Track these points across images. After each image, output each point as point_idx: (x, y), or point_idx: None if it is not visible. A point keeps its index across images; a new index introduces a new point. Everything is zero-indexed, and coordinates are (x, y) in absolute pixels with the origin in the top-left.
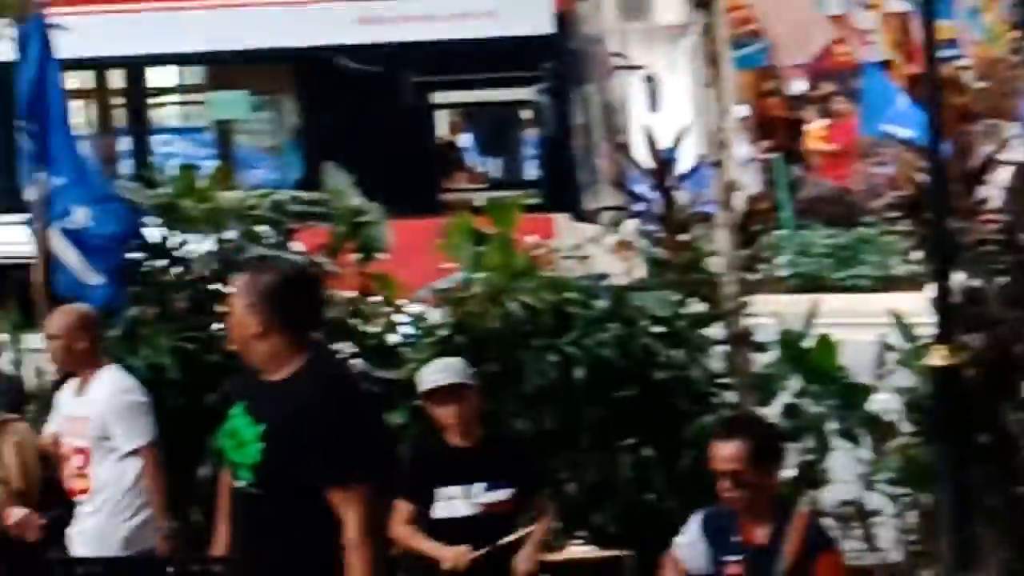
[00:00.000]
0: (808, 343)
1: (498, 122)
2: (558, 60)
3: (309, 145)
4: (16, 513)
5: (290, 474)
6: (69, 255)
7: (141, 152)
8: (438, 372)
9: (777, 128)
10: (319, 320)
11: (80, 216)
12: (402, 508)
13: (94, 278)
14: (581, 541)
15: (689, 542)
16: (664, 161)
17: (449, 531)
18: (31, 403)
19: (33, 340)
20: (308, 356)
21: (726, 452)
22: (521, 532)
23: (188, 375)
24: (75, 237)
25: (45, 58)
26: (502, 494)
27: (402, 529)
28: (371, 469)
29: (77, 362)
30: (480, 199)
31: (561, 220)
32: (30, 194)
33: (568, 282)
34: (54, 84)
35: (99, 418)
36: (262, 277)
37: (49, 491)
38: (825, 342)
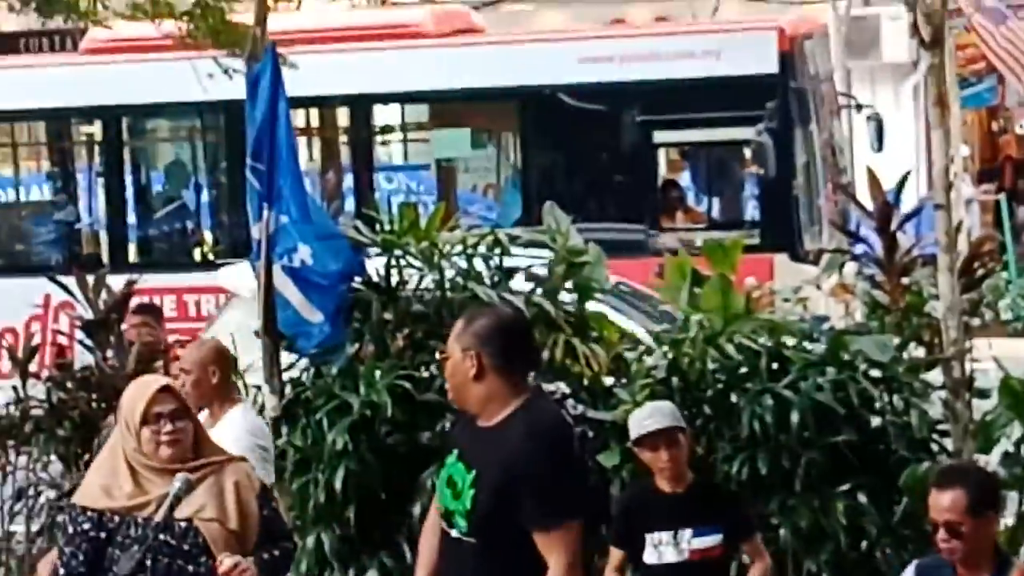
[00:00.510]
0: None
1: (719, 161)
2: (782, 100)
3: (530, 183)
4: (227, 563)
5: (501, 520)
6: (292, 292)
7: (364, 189)
8: (649, 417)
9: (1004, 168)
10: (535, 364)
11: (303, 254)
12: (612, 554)
13: (315, 316)
14: None
15: None
16: (887, 202)
17: None
18: None
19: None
20: (522, 400)
21: (944, 502)
22: None
23: (404, 413)
24: (298, 275)
25: (275, 95)
26: (711, 540)
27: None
28: (578, 513)
29: (208, 397)
30: (699, 239)
31: (780, 261)
32: (255, 232)
33: (786, 325)
34: (283, 121)
35: None
36: (478, 321)
37: (270, 531)
38: None
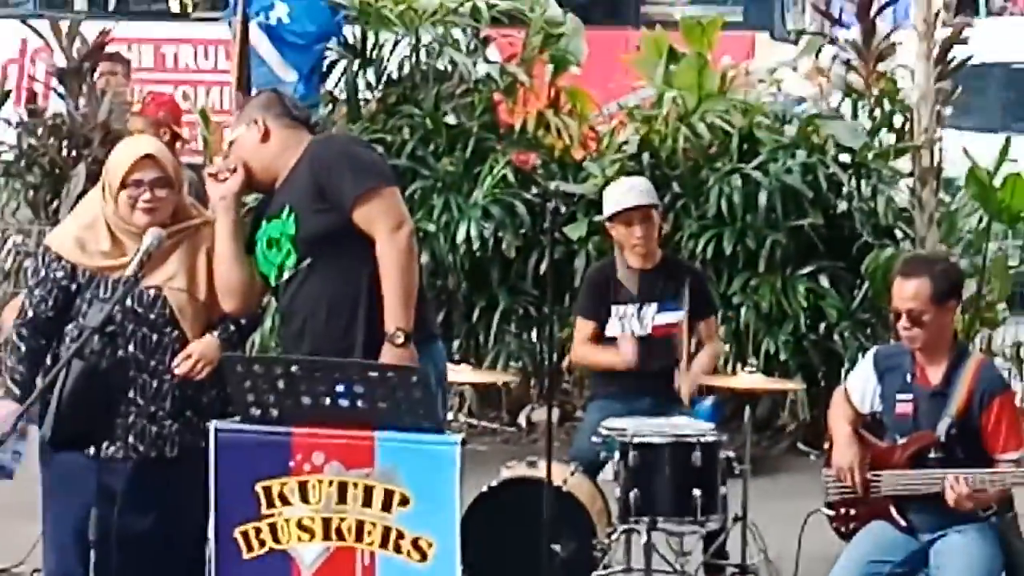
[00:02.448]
0: (997, 181)
1: None
2: None
3: None
4: (183, 367)
5: (325, 228)
6: (267, 50)
7: None
8: (626, 193)
9: None
10: (310, 119)
11: (280, 12)
12: (583, 326)
13: (289, 74)
14: (752, 369)
15: (861, 378)
16: None
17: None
18: None
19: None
20: (309, 140)
21: (908, 290)
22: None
23: None
24: (273, 32)
25: None
26: (673, 316)
27: (583, 347)
28: (389, 178)
29: None
30: (681, 14)
31: (762, 40)
32: None
33: (759, 106)
34: None
35: None
36: (251, 101)
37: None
38: (1015, 181)
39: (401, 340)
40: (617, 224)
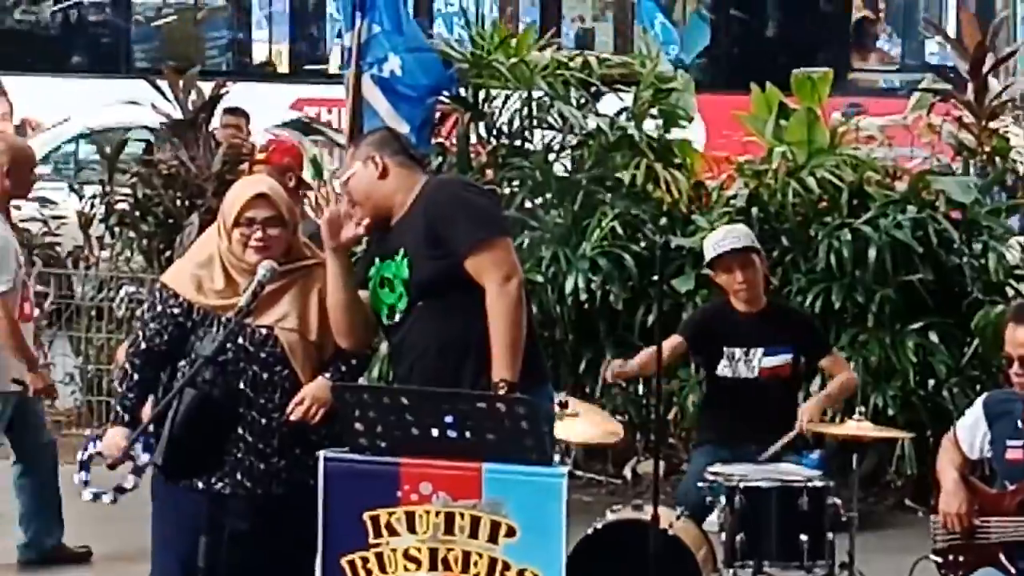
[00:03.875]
0: None
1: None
2: None
3: (719, 15)
4: (298, 412)
5: (439, 274)
6: (379, 102)
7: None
8: (724, 239)
9: None
10: (425, 159)
11: (393, 64)
12: (673, 339)
13: (402, 126)
14: (860, 417)
15: (971, 424)
16: (981, 44)
17: (730, 390)
18: None
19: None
20: (424, 181)
21: (1020, 336)
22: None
23: None
24: (386, 85)
25: None
26: (780, 359)
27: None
28: (505, 229)
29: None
30: (887, 80)
31: None
32: (346, 40)
33: (869, 161)
34: None
35: None
36: (366, 139)
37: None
38: None
39: (504, 391)
40: (719, 271)
